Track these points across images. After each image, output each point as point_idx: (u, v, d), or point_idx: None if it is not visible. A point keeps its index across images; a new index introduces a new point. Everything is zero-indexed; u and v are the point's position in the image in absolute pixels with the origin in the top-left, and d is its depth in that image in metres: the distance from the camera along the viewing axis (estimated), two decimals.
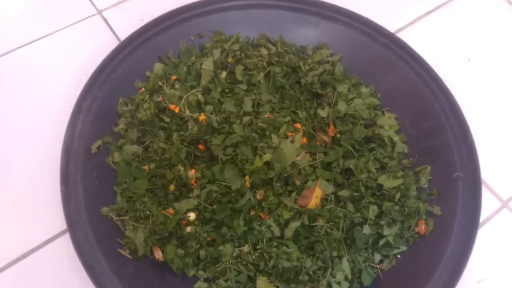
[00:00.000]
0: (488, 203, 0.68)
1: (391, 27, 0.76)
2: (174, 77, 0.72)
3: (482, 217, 0.61)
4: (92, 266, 0.55)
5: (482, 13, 0.86)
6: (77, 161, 0.62)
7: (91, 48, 0.80)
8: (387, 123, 0.70)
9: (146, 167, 0.64)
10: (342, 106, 0.70)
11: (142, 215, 0.61)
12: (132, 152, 0.65)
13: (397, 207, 0.62)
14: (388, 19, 0.79)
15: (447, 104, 0.69)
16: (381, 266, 0.60)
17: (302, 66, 0.73)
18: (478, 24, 0.85)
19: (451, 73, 0.74)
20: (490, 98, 0.78)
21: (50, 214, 0.64)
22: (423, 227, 0.61)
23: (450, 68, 0.78)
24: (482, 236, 0.64)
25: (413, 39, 0.76)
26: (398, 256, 0.61)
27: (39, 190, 0.66)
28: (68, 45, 0.81)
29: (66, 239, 0.61)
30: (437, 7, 0.86)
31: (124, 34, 0.75)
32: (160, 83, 0.71)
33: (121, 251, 0.59)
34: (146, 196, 0.62)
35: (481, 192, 0.62)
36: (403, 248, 0.61)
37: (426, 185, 0.65)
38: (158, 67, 0.73)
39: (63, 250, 0.62)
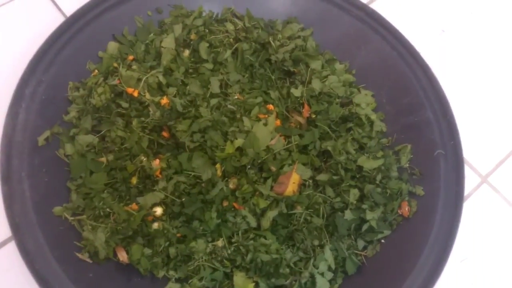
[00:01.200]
0: (468, 179, 0.66)
1: None
2: (131, 57, 0.66)
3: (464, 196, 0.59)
4: (44, 276, 0.49)
5: None
6: (21, 156, 0.55)
7: (33, 27, 0.71)
8: (364, 101, 0.67)
9: (103, 159, 0.59)
10: (316, 84, 0.66)
11: (102, 213, 0.56)
12: (86, 143, 0.59)
13: (378, 189, 0.60)
14: None
15: (425, 78, 0.66)
16: (365, 252, 0.58)
17: (272, 42, 0.68)
18: None
19: (427, 45, 0.71)
20: (466, 69, 0.76)
21: None
22: (407, 209, 0.59)
23: (425, 40, 0.75)
24: (464, 213, 0.62)
25: (386, 10, 0.72)
26: (382, 241, 0.59)
27: None
28: (5, 23, 0.72)
29: (11, 248, 0.53)
30: None
31: (71, 10, 0.66)
32: (115, 64, 0.65)
33: (79, 255, 0.54)
34: (105, 191, 0.57)
35: (463, 169, 0.60)
36: (387, 232, 0.58)
37: (407, 165, 0.63)
38: (112, 46, 0.67)
39: (10, 259, 0.55)
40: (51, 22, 0.69)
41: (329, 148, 0.61)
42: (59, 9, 0.74)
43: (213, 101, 0.63)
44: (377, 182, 0.60)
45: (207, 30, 0.69)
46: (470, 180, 0.67)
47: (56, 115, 0.60)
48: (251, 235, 0.56)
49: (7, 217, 0.51)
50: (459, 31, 0.79)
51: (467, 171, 0.67)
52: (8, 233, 0.52)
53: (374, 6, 0.77)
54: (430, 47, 0.75)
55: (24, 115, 0.57)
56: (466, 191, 0.65)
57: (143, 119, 0.60)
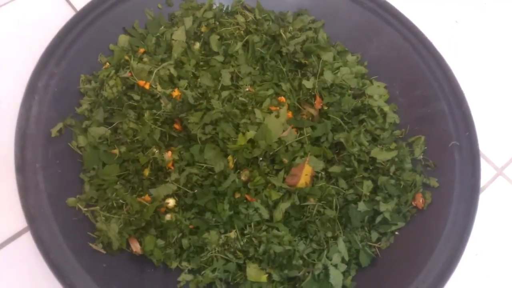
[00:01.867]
0: (483, 172, 0.64)
1: None
2: (142, 50, 0.66)
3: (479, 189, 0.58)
4: (59, 265, 0.49)
5: None
6: (34, 148, 0.55)
7: (45, 21, 0.72)
8: (377, 93, 0.66)
9: (116, 151, 0.59)
10: (328, 76, 0.65)
11: (115, 204, 0.56)
12: (99, 135, 0.59)
13: (392, 181, 0.59)
14: None
15: (438, 70, 0.65)
16: (379, 244, 0.57)
17: (282, 34, 0.68)
18: None
19: (440, 36, 0.70)
20: (481, 60, 0.75)
21: (7, 211, 0.56)
22: (421, 201, 0.58)
23: (438, 31, 0.74)
24: (479, 206, 0.61)
25: (399, 1, 0.71)
26: (396, 233, 0.58)
27: None
28: (17, 18, 0.72)
29: (27, 238, 0.53)
30: None
31: (81, 5, 0.66)
32: (126, 57, 0.65)
33: (92, 245, 0.54)
34: (118, 183, 0.57)
35: (479, 160, 0.59)
36: (401, 224, 0.58)
37: (421, 156, 0.62)
38: (123, 39, 0.67)
39: (26, 250, 0.55)
40: (62, 16, 0.70)
41: (342, 140, 0.60)
42: (70, 3, 0.74)
43: (225, 93, 0.62)
44: (391, 173, 0.59)
45: (217, 23, 0.69)
46: (485, 172, 0.66)
47: (69, 107, 0.60)
48: (264, 227, 0.56)
49: (23, 208, 0.51)
50: (472, 22, 0.78)
51: (482, 163, 0.66)
52: (24, 224, 0.53)
53: None
54: (444, 38, 0.74)
55: (37, 107, 0.57)
56: (482, 183, 0.64)
57: (154, 111, 0.60)
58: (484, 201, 0.64)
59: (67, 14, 0.69)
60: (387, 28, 0.69)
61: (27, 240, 0.50)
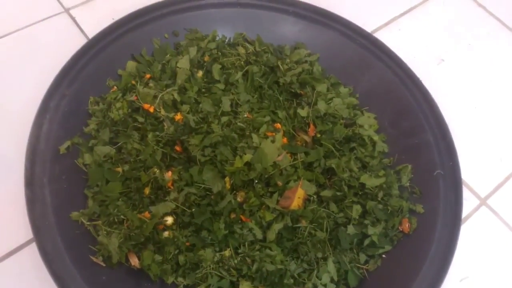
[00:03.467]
0: (467, 201, 0.68)
1: (366, 28, 0.77)
2: (148, 76, 0.70)
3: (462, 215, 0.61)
4: (61, 276, 0.51)
5: (453, 15, 0.89)
6: (43, 163, 0.58)
7: (59, 47, 0.75)
8: (367, 123, 0.70)
9: (119, 169, 0.61)
10: (321, 106, 0.69)
11: (116, 220, 0.58)
12: (104, 154, 0.62)
13: (380, 206, 0.62)
14: (363, 20, 0.80)
15: (425, 103, 0.69)
16: (367, 266, 0.59)
17: (280, 66, 0.72)
18: (450, 26, 0.87)
19: (426, 73, 0.75)
20: (464, 97, 0.79)
21: (14, 223, 0.59)
22: (407, 226, 0.61)
23: (425, 68, 0.79)
24: (463, 234, 0.64)
25: (388, 39, 0.76)
26: (383, 255, 0.60)
27: (1, 196, 0.61)
28: (33, 43, 0.77)
29: (33, 249, 0.56)
30: (411, 9, 0.88)
31: (93, 33, 0.71)
32: (133, 82, 0.69)
33: (93, 258, 0.55)
34: (120, 199, 0.59)
35: (461, 188, 0.62)
36: (388, 247, 0.60)
37: (408, 184, 0.65)
38: (131, 65, 0.71)
39: (29, 261, 0.57)
40: (75, 43, 0.73)
41: (333, 166, 0.63)
42: (83, 32, 0.79)
43: (224, 119, 0.65)
44: (379, 199, 0.62)
45: (220, 53, 0.73)
46: (469, 202, 0.69)
47: (77, 126, 0.63)
48: (257, 246, 0.58)
49: (29, 219, 0.53)
50: (457, 61, 0.83)
51: (467, 193, 0.70)
52: (30, 235, 0.55)
53: (377, 35, 0.82)
54: (430, 75, 0.78)
55: (47, 125, 0.60)
56: (466, 212, 0.68)
57: (157, 133, 0.63)
58: (469, 229, 0.67)
59: (80, 41, 0.73)
60: (377, 64, 0.73)
61: (33, 251, 0.53)
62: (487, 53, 0.84)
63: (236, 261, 0.57)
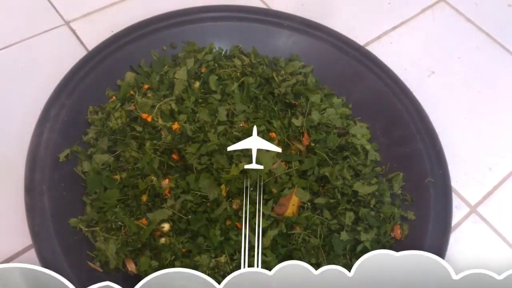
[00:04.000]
0: (457, 209, 0.69)
1: (359, 41, 0.79)
2: (146, 86, 0.71)
3: (452, 222, 0.63)
4: None
5: (443, 29, 0.91)
6: (43, 170, 0.59)
7: (59, 59, 0.76)
8: (359, 132, 0.71)
9: (117, 177, 0.62)
10: (315, 116, 0.71)
11: (114, 226, 0.58)
12: (102, 162, 0.63)
13: (372, 213, 0.63)
14: (356, 33, 0.82)
15: (416, 113, 0.71)
16: None
17: (275, 77, 0.74)
18: (440, 40, 0.90)
19: (417, 84, 0.77)
20: (454, 107, 0.81)
21: (13, 230, 0.60)
22: (399, 232, 0.62)
23: (416, 80, 0.81)
24: (453, 240, 0.66)
25: (380, 52, 0.78)
26: None
27: (1, 202, 0.62)
28: (34, 55, 0.78)
29: (31, 255, 0.56)
30: (402, 23, 0.91)
31: (93, 46, 0.73)
32: (131, 92, 0.70)
33: (91, 264, 0.56)
34: (118, 206, 0.60)
35: (451, 196, 0.64)
36: None
37: (399, 191, 0.66)
38: (129, 76, 0.72)
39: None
40: (75, 54, 0.74)
41: (327, 174, 0.65)
42: (83, 44, 0.81)
43: (220, 128, 0.67)
44: (371, 206, 0.64)
45: (216, 65, 0.75)
46: (459, 209, 0.70)
47: (76, 135, 0.64)
48: (252, 253, 0.58)
49: (28, 225, 0.54)
50: (447, 73, 0.85)
51: (457, 201, 0.71)
52: (29, 242, 0.56)
53: (369, 48, 0.84)
54: (421, 86, 0.80)
55: (47, 134, 0.61)
56: (456, 220, 0.69)
57: (155, 142, 0.64)
58: (459, 236, 0.68)
59: (80, 53, 0.75)
60: (370, 75, 0.75)
61: (31, 257, 0.54)
62: (476, 66, 0.87)
63: (231, 267, 0.58)
